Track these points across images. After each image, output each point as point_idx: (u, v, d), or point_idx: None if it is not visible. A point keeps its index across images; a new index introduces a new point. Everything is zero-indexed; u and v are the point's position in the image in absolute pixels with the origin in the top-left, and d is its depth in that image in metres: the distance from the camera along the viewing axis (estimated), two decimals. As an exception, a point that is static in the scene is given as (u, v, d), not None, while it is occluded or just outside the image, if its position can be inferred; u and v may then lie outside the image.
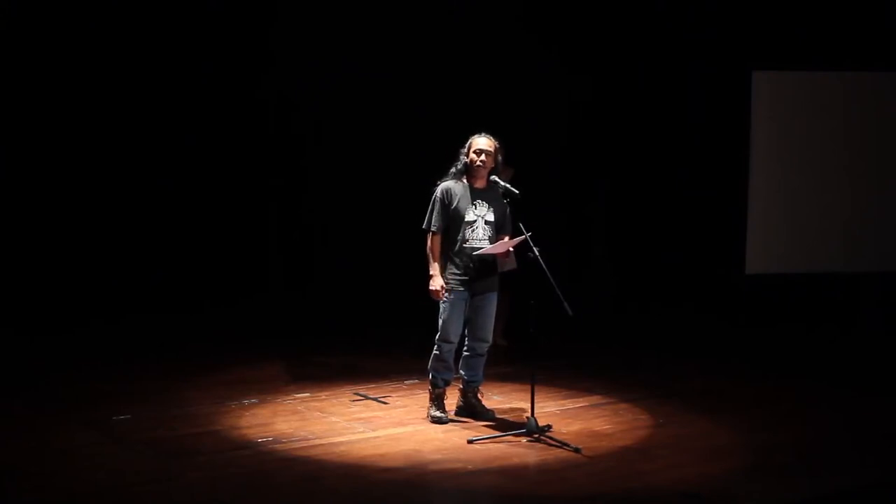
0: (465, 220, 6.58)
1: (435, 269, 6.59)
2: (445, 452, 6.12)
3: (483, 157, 6.60)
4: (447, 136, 10.25)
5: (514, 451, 6.19)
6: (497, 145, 6.69)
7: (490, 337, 6.79)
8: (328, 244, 10.80)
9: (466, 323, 6.69)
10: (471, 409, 6.86)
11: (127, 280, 10.03)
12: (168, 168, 10.24)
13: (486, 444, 6.27)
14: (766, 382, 8.11)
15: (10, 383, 7.61)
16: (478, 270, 6.60)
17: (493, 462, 5.96)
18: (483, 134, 6.67)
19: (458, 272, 6.59)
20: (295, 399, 7.33)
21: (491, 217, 6.63)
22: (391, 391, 7.59)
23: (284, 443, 6.27)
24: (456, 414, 6.87)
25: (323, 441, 6.32)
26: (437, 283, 6.55)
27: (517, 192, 6.56)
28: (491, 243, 6.60)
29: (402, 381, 7.91)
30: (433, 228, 6.61)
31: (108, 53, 9.88)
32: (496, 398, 7.41)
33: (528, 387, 6.49)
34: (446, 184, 6.64)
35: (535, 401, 6.48)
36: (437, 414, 6.75)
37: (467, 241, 6.58)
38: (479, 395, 6.90)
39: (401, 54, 10.43)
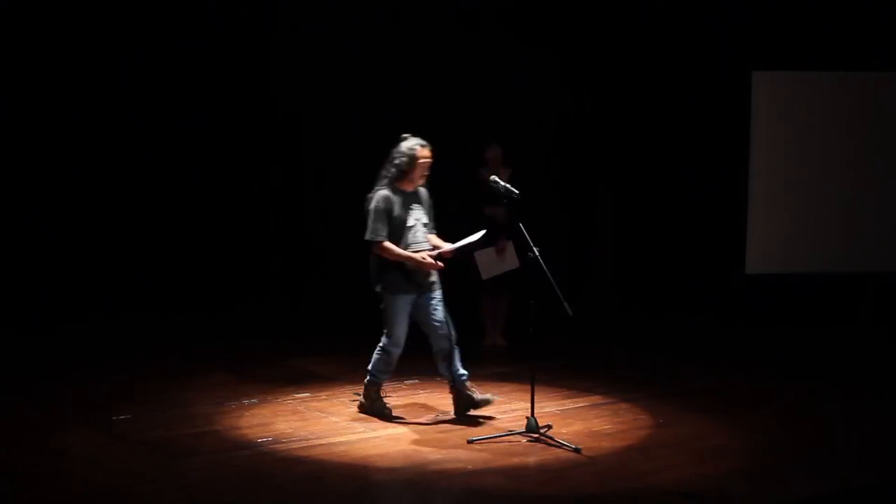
0: (407, 225, 6.66)
1: (408, 254, 6.57)
2: (445, 452, 6.12)
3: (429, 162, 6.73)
4: (449, 138, 10.26)
5: (514, 451, 6.19)
6: None
7: (453, 332, 6.77)
8: (328, 245, 10.79)
9: (419, 324, 6.75)
10: (470, 403, 6.80)
11: (127, 280, 10.02)
12: (169, 168, 10.23)
13: (486, 444, 6.27)
14: (766, 382, 8.11)
15: (10, 383, 7.61)
16: (421, 272, 6.66)
17: (493, 462, 5.96)
18: (421, 140, 6.73)
19: (403, 277, 6.64)
20: (295, 399, 7.34)
21: (425, 219, 6.76)
22: (391, 391, 7.58)
23: (284, 443, 6.27)
24: (457, 414, 6.84)
25: (323, 441, 6.33)
26: (418, 256, 6.56)
27: (517, 192, 6.58)
28: (427, 245, 6.67)
29: (402, 381, 7.90)
30: (382, 236, 6.60)
31: (108, 55, 9.87)
32: (496, 398, 7.41)
33: (528, 387, 6.50)
34: (384, 192, 6.67)
35: (535, 401, 6.48)
36: (379, 405, 6.80)
37: (409, 245, 6.64)
38: (470, 387, 6.82)
39: (402, 58, 10.42)
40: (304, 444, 6.26)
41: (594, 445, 6.27)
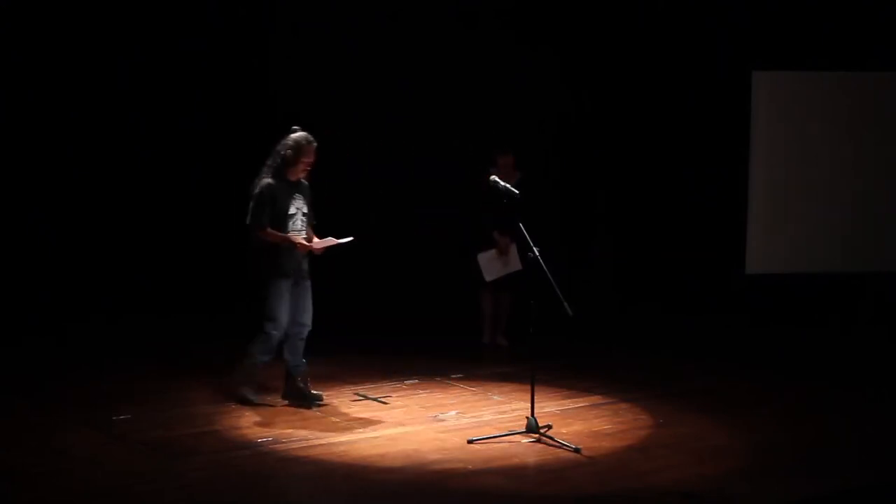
0: (288, 213, 6.98)
1: (286, 236, 6.92)
2: (445, 452, 6.12)
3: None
4: (449, 139, 10.26)
5: (514, 451, 6.19)
6: None
7: (310, 321, 7.11)
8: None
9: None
10: (299, 395, 7.12)
11: (127, 280, 10.01)
12: (169, 168, 10.23)
13: (486, 444, 6.27)
14: (766, 382, 8.11)
15: (10, 383, 7.60)
16: (299, 260, 7.01)
17: (493, 462, 5.96)
18: (309, 136, 7.07)
19: (283, 262, 6.95)
20: (295, 399, 7.34)
21: (306, 209, 7.08)
22: (391, 391, 7.59)
23: (284, 443, 6.27)
24: (283, 397, 7.14)
25: (323, 441, 6.33)
26: (295, 238, 6.93)
27: (517, 192, 6.60)
28: (307, 234, 7.04)
29: (402, 381, 7.91)
30: (263, 223, 6.94)
31: (108, 55, 9.87)
32: (496, 398, 7.42)
33: (528, 387, 6.50)
34: (267, 181, 7.00)
35: (535, 401, 6.48)
36: (250, 396, 7.03)
37: (289, 233, 6.97)
38: (307, 380, 7.16)
39: (402, 58, 10.42)
40: (304, 444, 6.26)
41: (594, 445, 6.27)
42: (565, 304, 6.21)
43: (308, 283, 7.12)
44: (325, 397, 7.18)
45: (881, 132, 9.93)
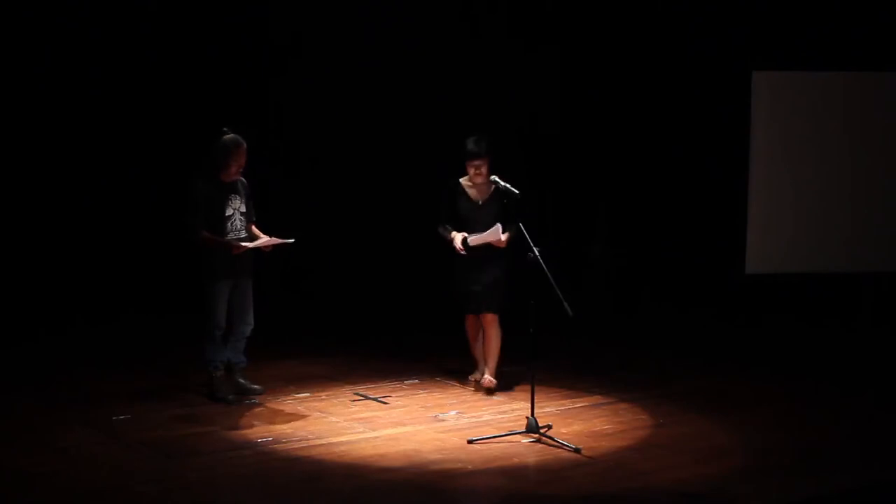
0: (225, 215, 7.02)
1: (221, 239, 6.97)
2: (445, 452, 6.12)
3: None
4: (449, 139, 10.24)
5: (514, 451, 6.19)
6: None
7: (253, 320, 7.19)
8: (327, 245, 10.79)
9: (230, 310, 7.16)
10: (239, 389, 7.25)
11: (127, 280, 10.01)
12: (169, 168, 10.22)
13: (487, 444, 6.27)
14: (767, 382, 8.11)
15: (11, 383, 7.61)
16: (239, 261, 7.05)
17: (493, 462, 5.97)
18: (238, 136, 7.11)
19: (222, 265, 7.00)
20: (295, 399, 7.34)
21: (244, 208, 7.13)
22: (391, 391, 7.59)
23: (284, 443, 6.28)
24: (220, 396, 7.24)
25: (323, 441, 6.33)
26: (232, 241, 6.98)
27: (517, 191, 6.60)
28: (248, 233, 7.13)
29: (402, 381, 7.91)
30: (197, 226, 6.98)
31: (108, 55, 9.87)
32: (496, 398, 7.41)
33: (528, 387, 6.50)
34: (200, 184, 7.06)
35: (535, 401, 6.49)
36: (228, 396, 7.16)
37: (228, 234, 7.02)
38: (245, 375, 7.31)
39: (402, 58, 10.42)
40: (304, 444, 6.27)
41: (594, 445, 6.27)
42: (565, 304, 6.21)
43: (250, 283, 7.21)
44: (265, 391, 7.32)
45: (881, 132, 9.91)
